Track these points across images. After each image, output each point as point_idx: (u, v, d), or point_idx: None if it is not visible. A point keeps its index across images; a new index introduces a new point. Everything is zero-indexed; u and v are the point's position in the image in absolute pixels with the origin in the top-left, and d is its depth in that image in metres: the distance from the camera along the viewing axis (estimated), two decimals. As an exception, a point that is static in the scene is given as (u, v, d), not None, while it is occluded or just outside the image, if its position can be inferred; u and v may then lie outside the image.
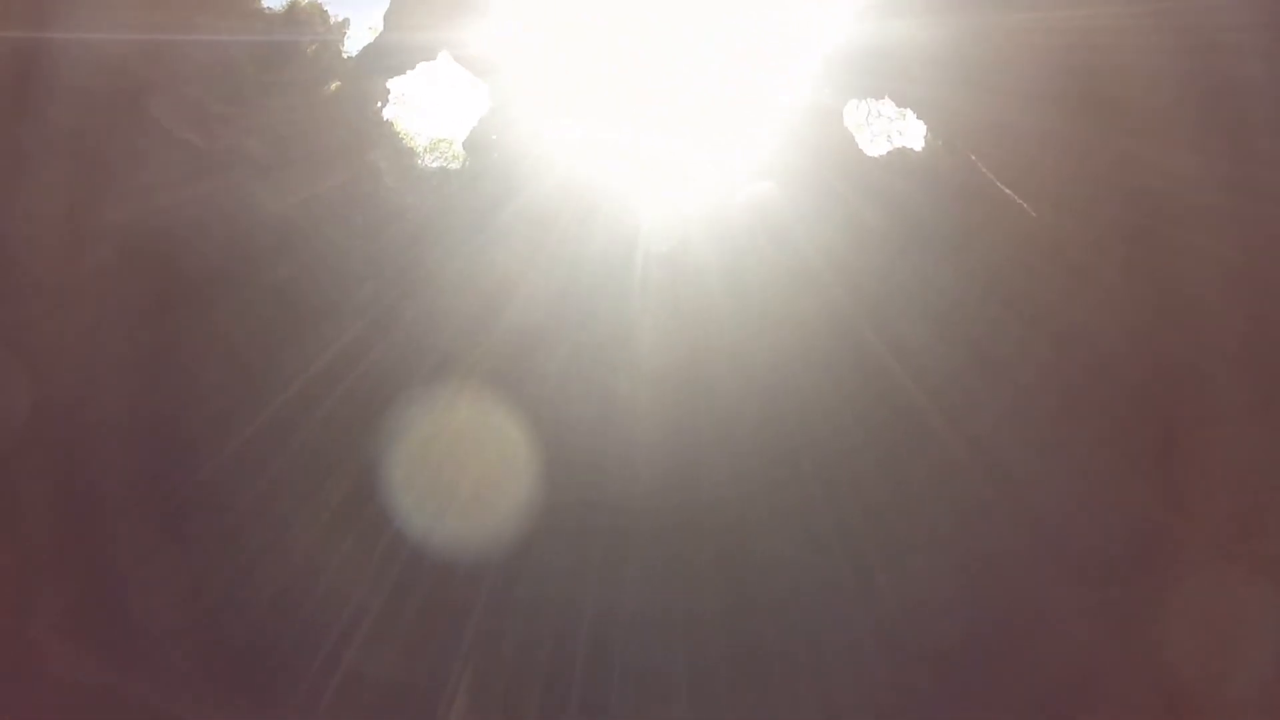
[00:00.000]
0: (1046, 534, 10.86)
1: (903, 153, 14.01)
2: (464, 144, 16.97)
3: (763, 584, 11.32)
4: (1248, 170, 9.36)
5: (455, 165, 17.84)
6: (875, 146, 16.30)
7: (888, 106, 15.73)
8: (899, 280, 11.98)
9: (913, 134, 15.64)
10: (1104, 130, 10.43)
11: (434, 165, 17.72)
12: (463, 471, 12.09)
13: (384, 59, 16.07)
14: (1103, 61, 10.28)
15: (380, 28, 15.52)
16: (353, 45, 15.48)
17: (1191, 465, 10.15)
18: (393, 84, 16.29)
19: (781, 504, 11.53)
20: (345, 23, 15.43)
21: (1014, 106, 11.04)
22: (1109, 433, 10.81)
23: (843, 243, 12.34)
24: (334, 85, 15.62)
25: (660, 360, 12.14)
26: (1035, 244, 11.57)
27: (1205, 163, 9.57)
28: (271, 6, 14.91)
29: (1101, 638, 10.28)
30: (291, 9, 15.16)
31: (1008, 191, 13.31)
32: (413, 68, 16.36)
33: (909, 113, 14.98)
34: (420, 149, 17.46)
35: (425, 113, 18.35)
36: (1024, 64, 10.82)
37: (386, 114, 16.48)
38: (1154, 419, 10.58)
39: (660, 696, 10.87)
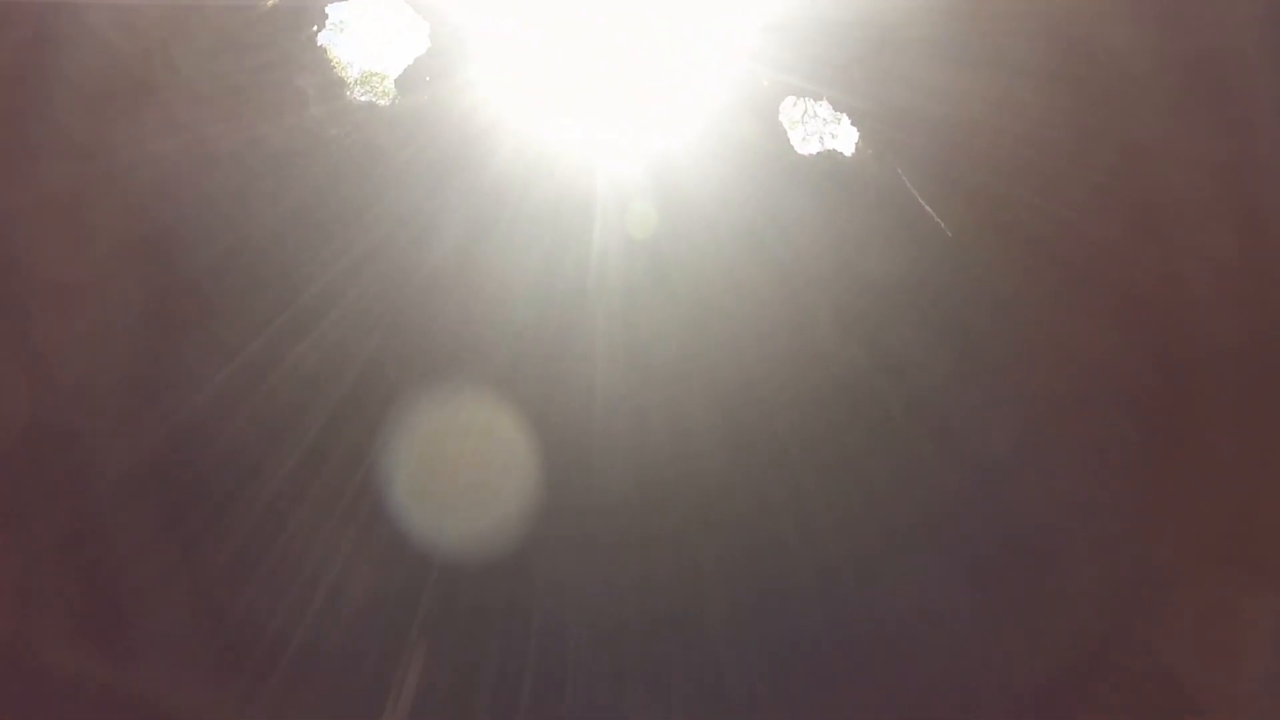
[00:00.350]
0: (1036, 536, 11.05)
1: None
2: (396, 81, 16.41)
3: (734, 580, 11.65)
4: (1246, 164, 9.27)
5: (384, 102, 17.19)
6: (806, 146, 16.67)
7: (824, 108, 16.06)
8: (869, 268, 12.12)
9: (845, 138, 16.07)
10: (1099, 118, 10.36)
11: (363, 99, 17.01)
12: (451, 466, 12.04)
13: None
14: (1094, 42, 10.14)
15: (326, -52, 14.61)
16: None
17: (1188, 466, 10.30)
18: (331, 9, 15.47)
19: (754, 501, 11.94)
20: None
21: (998, 89, 10.94)
22: (1100, 433, 10.92)
23: (812, 232, 12.41)
24: (270, 2, 14.63)
25: (618, 351, 12.25)
26: (1019, 236, 11.58)
27: (1204, 154, 9.49)
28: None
29: (1097, 640, 10.54)
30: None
31: (929, 210, 14.05)
32: (354, -8, 15.57)
33: (844, 117, 15.25)
34: (351, 80, 16.66)
35: (360, 43, 17.54)
36: (1006, 43, 10.69)
37: (321, 39, 15.65)
38: (1148, 419, 10.66)
39: (626, 697, 11.19)
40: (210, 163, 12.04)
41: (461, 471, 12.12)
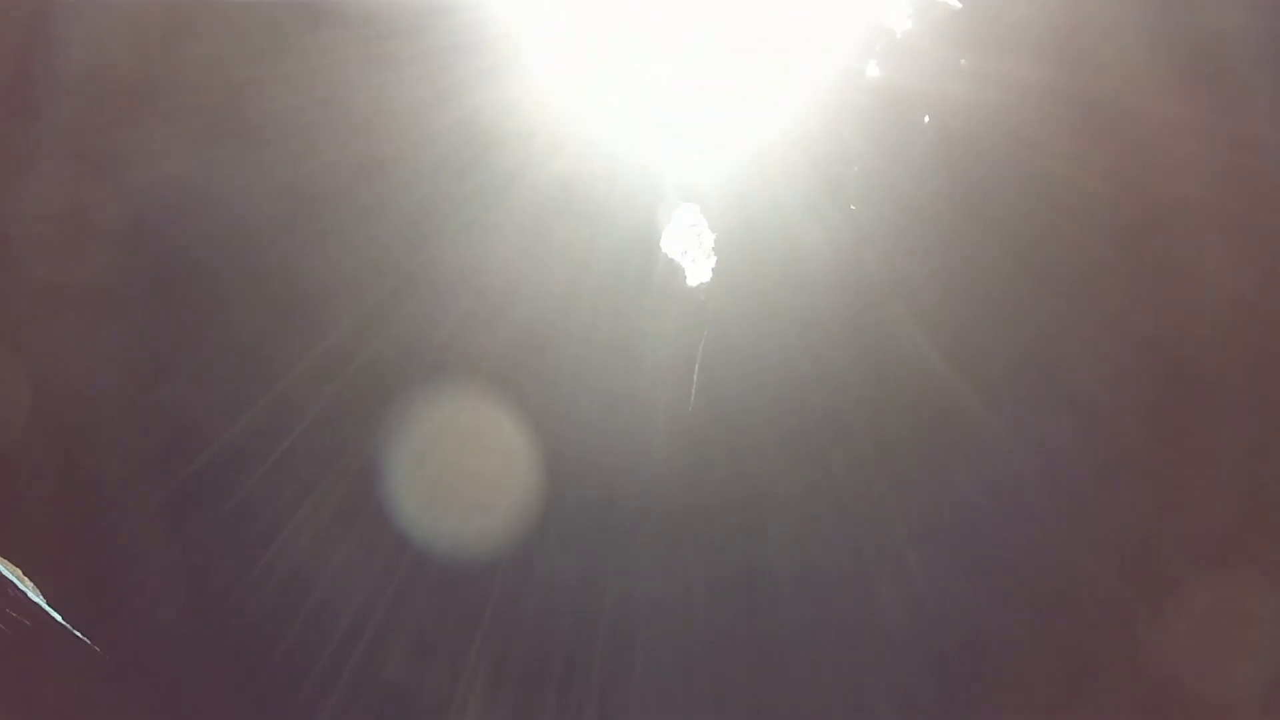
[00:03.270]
0: (1040, 536, 11.17)
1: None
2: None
3: (774, 581, 11.59)
4: (1249, 164, 9.58)
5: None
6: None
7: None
8: (876, 270, 12.00)
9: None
10: (1109, 126, 10.60)
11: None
12: (466, 466, 12.03)
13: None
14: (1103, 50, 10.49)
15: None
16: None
17: (1191, 464, 10.41)
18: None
19: (754, 501, 11.90)
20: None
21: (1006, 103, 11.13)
22: (1106, 433, 11.03)
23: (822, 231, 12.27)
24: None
25: (621, 350, 12.14)
26: (1023, 238, 11.73)
27: (1207, 160, 9.74)
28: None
29: (1099, 638, 10.64)
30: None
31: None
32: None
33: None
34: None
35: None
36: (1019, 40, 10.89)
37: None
38: (1151, 420, 10.77)
39: (675, 692, 11.13)
40: (210, 162, 12.04)
41: (463, 471, 12.10)
